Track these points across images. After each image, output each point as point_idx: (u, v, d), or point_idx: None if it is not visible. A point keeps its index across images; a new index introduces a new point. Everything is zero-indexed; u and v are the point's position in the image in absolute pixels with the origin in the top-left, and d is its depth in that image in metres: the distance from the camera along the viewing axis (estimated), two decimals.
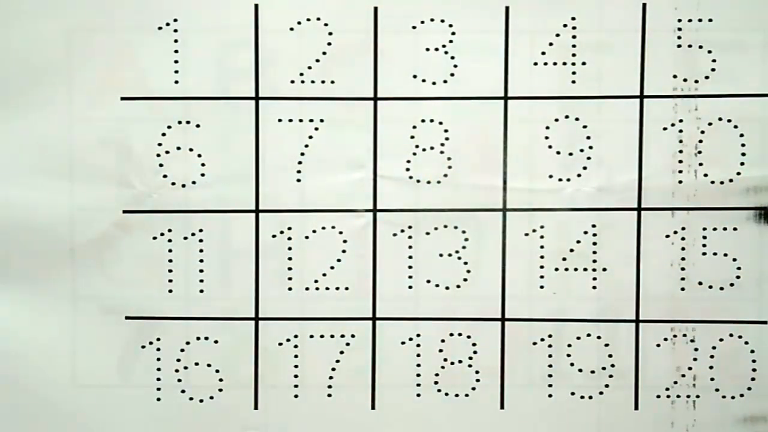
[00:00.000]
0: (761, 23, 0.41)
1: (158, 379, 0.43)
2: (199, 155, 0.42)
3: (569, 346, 0.43)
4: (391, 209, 0.42)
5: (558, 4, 0.41)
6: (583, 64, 0.42)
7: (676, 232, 0.42)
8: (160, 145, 0.42)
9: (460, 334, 0.43)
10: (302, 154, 0.42)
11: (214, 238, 0.42)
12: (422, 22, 0.41)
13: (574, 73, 0.42)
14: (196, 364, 0.43)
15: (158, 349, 0.43)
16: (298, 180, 0.42)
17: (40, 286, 0.42)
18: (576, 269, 0.42)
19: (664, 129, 0.42)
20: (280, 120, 0.42)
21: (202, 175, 0.42)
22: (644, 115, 0.42)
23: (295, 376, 0.43)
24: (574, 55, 0.42)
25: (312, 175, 0.42)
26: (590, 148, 0.42)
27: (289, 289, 0.43)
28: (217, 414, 0.43)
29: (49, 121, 0.41)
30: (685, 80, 0.41)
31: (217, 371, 0.43)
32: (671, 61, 0.41)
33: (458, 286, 0.42)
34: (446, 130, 0.42)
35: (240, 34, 0.42)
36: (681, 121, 0.42)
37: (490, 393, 0.43)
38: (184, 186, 0.42)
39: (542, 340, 0.43)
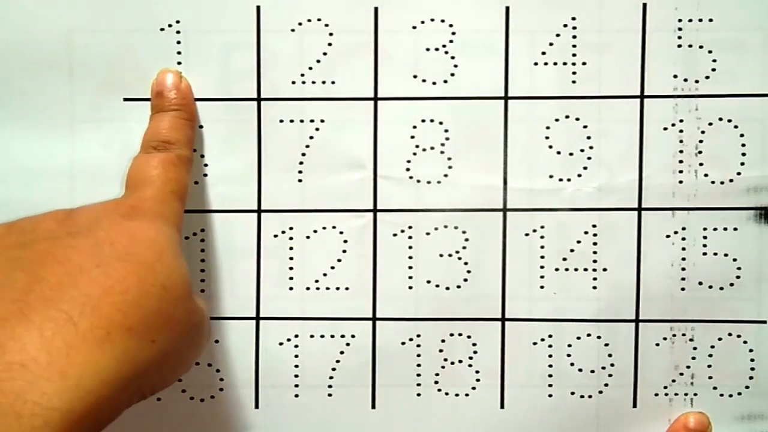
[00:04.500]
0: (761, 23, 0.41)
1: None
2: (202, 156, 0.42)
3: (569, 346, 0.43)
4: (391, 209, 0.42)
5: (558, 4, 0.41)
6: (583, 64, 0.42)
7: (676, 232, 0.42)
8: None
9: (460, 334, 0.43)
10: (303, 154, 0.42)
11: (216, 237, 0.42)
12: (422, 22, 0.42)
13: (574, 73, 0.42)
14: (197, 363, 0.43)
15: None
16: (299, 180, 0.42)
17: None
18: (576, 269, 0.42)
19: (665, 129, 0.42)
20: (281, 121, 0.42)
21: (205, 175, 0.42)
22: (644, 115, 0.42)
23: (296, 376, 0.43)
24: (574, 55, 0.42)
25: (313, 175, 0.42)
26: (590, 148, 0.42)
27: (290, 288, 0.43)
28: (217, 414, 0.43)
29: (51, 122, 0.42)
30: (685, 80, 0.41)
31: (218, 371, 0.43)
32: (671, 61, 0.41)
33: (458, 286, 0.42)
34: (446, 130, 0.42)
35: (241, 36, 0.42)
36: (681, 121, 0.42)
37: (490, 393, 0.43)
38: None
39: (542, 340, 0.43)
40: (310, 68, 0.42)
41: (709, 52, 0.41)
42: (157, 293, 0.32)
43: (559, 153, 0.42)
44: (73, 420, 0.27)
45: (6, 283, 0.30)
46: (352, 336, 0.43)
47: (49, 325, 0.28)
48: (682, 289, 0.42)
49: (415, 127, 0.42)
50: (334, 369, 0.43)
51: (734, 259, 0.42)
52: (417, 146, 0.42)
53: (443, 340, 0.43)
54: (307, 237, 0.43)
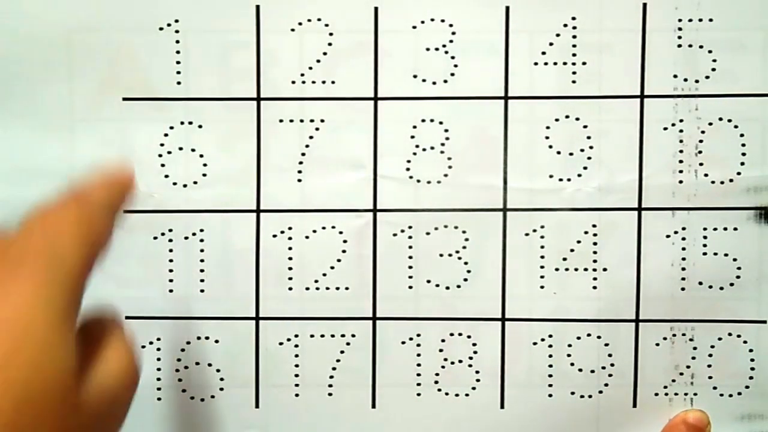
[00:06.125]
0: (761, 23, 0.41)
1: (158, 379, 0.43)
2: (201, 155, 0.42)
3: (569, 346, 0.43)
4: (391, 209, 0.42)
5: (558, 4, 0.41)
6: (583, 64, 0.42)
7: (676, 232, 0.42)
8: (162, 145, 0.42)
9: (460, 334, 0.43)
10: (303, 154, 0.42)
11: (215, 237, 0.42)
12: (422, 22, 0.42)
13: (574, 73, 0.42)
14: (197, 363, 0.43)
15: (158, 349, 0.43)
16: (299, 180, 0.42)
17: None
18: (576, 269, 0.42)
19: (665, 129, 0.42)
20: (281, 120, 0.42)
21: (204, 175, 0.42)
22: (644, 115, 0.42)
23: (296, 376, 0.43)
24: (574, 55, 0.42)
25: (312, 175, 0.42)
26: (590, 148, 0.42)
27: (290, 288, 0.43)
28: (217, 414, 0.43)
29: (51, 122, 0.42)
30: (685, 80, 0.41)
31: (218, 371, 0.43)
32: (671, 61, 0.41)
33: (458, 286, 0.42)
34: (446, 130, 0.42)
35: (241, 35, 0.42)
36: (681, 121, 0.42)
37: (490, 393, 0.43)
38: (185, 186, 0.42)
39: (542, 340, 0.43)
40: (310, 68, 0.42)
41: (709, 52, 0.41)
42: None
43: (559, 153, 0.42)
44: None
45: None
46: (352, 336, 0.43)
47: None
48: (682, 289, 0.42)
49: (415, 127, 0.42)
50: (334, 369, 0.43)
51: (734, 259, 0.42)
52: (417, 146, 0.42)
53: (443, 340, 0.43)
54: (307, 237, 0.42)
